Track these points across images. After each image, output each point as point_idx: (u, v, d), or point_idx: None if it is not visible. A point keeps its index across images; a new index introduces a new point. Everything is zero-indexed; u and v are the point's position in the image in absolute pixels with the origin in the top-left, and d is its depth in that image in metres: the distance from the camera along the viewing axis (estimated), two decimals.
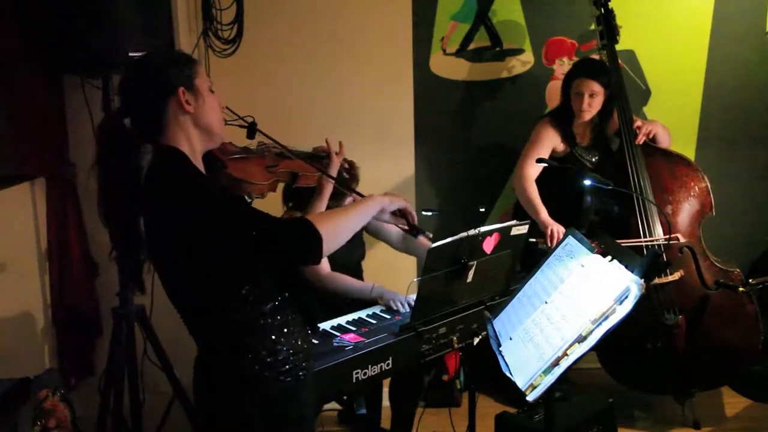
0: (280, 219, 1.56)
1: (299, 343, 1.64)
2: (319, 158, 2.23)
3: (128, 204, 1.56)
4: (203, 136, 1.59)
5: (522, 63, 3.51)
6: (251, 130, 1.94)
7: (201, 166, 1.59)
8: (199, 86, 1.57)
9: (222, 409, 1.60)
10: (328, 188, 2.15)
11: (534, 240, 2.92)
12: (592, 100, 3.05)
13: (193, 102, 1.55)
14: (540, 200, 3.05)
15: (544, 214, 3.01)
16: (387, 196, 1.74)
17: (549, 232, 2.94)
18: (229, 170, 1.84)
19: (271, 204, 2.24)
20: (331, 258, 2.67)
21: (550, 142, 3.13)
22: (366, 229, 2.90)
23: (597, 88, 3.03)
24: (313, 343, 2.14)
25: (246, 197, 1.92)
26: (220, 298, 1.56)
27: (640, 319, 2.93)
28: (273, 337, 1.58)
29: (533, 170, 3.09)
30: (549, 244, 2.91)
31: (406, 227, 1.81)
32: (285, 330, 1.61)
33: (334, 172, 2.18)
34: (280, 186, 2.18)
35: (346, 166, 2.54)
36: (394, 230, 2.89)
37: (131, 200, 1.55)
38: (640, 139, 3.10)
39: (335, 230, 1.56)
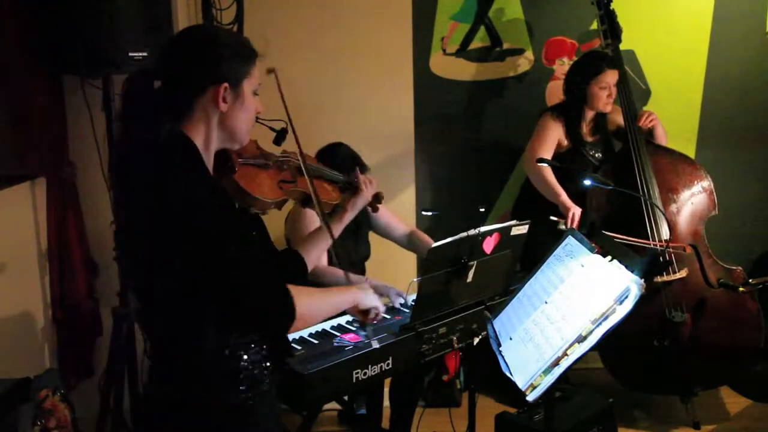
0: (264, 277, 1.39)
1: (264, 370, 1.52)
2: (347, 186, 2.02)
3: (135, 174, 1.42)
4: (223, 137, 1.48)
5: (522, 63, 3.52)
6: (280, 137, 1.80)
7: (210, 163, 1.48)
8: (244, 88, 1.46)
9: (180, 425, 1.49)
10: (339, 228, 1.91)
11: (555, 219, 2.92)
12: (614, 89, 3.08)
13: (230, 101, 1.44)
14: (556, 181, 3.05)
15: (563, 195, 3.01)
16: (365, 291, 1.73)
17: (570, 214, 2.95)
18: (236, 176, 1.64)
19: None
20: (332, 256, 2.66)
21: (555, 134, 3.14)
22: (375, 230, 2.91)
23: (617, 76, 3.07)
24: (313, 346, 2.15)
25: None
26: (185, 311, 1.43)
27: (647, 317, 2.96)
28: (237, 358, 1.46)
29: (543, 156, 3.04)
30: (568, 226, 2.93)
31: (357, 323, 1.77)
32: (250, 348, 1.49)
33: (359, 207, 1.98)
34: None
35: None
36: (399, 229, 2.89)
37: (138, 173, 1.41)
38: (643, 122, 3.12)
39: (311, 315, 1.50)
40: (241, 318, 1.41)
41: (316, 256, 1.83)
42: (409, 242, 2.89)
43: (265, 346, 1.53)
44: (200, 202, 1.35)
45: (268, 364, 1.53)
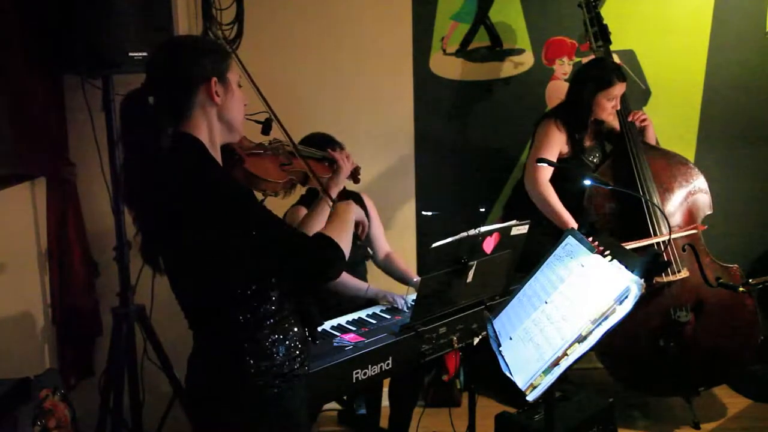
0: (305, 235, 1.58)
1: (296, 351, 1.62)
2: (329, 162, 2.18)
3: (151, 182, 1.52)
4: (224, 130, 1.59)
5: (522, 63, 3.51)
6: (267, 126, 1.91)
7: (219, 158, 1.58)
8: (230, 80, 1.57)
9: (214, 410, 1.58)
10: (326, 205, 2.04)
11: None
12: (619, 101, 3.04)
13: (222, 94, 1.55)
14: (562, 205, 2.99)
15: (572, 221, 2.97)
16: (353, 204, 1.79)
17: None
18: (246, 165, 1.80)
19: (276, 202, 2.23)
20: None
21: (558, 143, 3.07)
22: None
23: (624, 88, 3.03)
24: (313, 346, 2.14)
25: (261, 195, 1.90)
26: (224, 296, 1.54)
27: (651, 319, 2.97)
28: (270, 342, 1.56)
29: (546, 173, 3.02)
30: None
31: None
32: (283, 336, 1.59)
33: (343, 179, 2.13)
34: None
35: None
36: (380, 249, 2.94)
37: (154, 178, 1.51)
38: (632, 119, 3.11)
39: (348, 244, 1.59)
40: (300, 273, 1.53)
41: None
42: (384, 264, 2.94)
43: (298, 329, 1.63)
44: (234, 191, 1.48)
45: (298, 352, 1.62)
